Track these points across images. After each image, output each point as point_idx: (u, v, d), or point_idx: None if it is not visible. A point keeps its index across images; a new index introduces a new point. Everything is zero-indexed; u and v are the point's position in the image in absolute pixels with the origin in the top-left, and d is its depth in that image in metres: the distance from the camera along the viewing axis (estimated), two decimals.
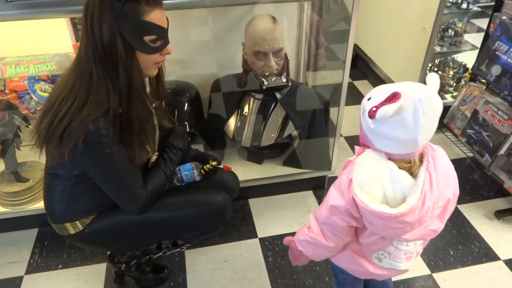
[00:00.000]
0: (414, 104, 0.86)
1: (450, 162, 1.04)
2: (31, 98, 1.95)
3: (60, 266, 1.76)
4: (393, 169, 0.97)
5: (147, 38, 1.12)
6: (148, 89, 1.31)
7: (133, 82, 1.13)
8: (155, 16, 1.12)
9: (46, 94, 1.95)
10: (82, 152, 1.12)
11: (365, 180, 0.99)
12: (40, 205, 1.81)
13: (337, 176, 1.10)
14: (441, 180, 0.98)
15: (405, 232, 0.99)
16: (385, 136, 0.93)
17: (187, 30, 1.97)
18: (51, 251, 1.82)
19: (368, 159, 1.01)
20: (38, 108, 1.97)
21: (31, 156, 1.92)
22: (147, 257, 1.54)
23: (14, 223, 1.86)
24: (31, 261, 1.78)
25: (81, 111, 1.10)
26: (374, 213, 0.95)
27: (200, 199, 1.39)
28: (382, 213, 0.94)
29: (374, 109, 0.89)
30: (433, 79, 0.89)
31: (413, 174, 0.99)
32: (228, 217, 1.42)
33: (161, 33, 1.15)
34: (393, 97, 0.88)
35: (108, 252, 1.57)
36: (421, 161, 1.00)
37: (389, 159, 0.99)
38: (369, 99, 0.96)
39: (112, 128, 1.13)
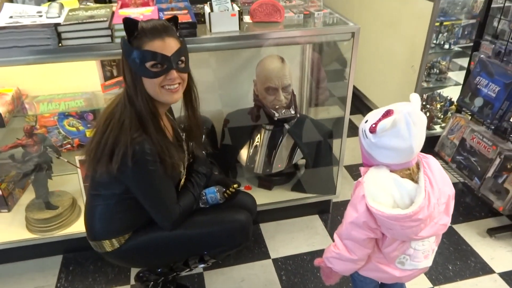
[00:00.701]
0: (406, 117, 1.05)
1: (441, 166, 1.23)
2: (59, 132, 2.13)
3: None
4: (396, 179, 1.15)
5: (147, 65, 1.28)
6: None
7: (136, 107, 1.31)
8: (155, 45, 1.28)
9: (73, 129, 2.13)
10: (131, 170, 1.28)
11: (375, 192, 1.16)
12: (66, 231, 1.93)
13: (342, 201, 1.27)
14: (439, 180, 1.17)
15: (421, 230, 1.15)
16: (385, 147, 1.11)
17: (203, 70, 2.19)
18: (76, 276, 1.92)
19: (374, 175, 1.19)
20: (65, 142, 2.15)
21: (59, 186, 2.07)
22: (174, 274, 1.66)
23: (40, 250, 1.97)
24: (58, 285, 1.87)
25: (121, 130, 1.28)
26: (391, 217, 1.12)
27: (225, 217, 1.55)
28: (397, 216, 1.11)
29: (373, 125, 1.10)
30: (416, 97, 1.10)
31: (414, 180, 1.17)
32: (250, 233, 1.57)
33: (161, 59, 1.27)
34: (388, 113, 1.09)
35: (137, 272, 1.69)
36: (418, 168, 1.19)
37: (391, 171, 1.17)
38: (366, 121, 1.17)
39: (155, 149, 1.30)
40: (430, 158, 1.22)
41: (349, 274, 1.35)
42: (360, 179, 1.23)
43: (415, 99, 1.10)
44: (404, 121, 1.06)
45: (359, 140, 1.21)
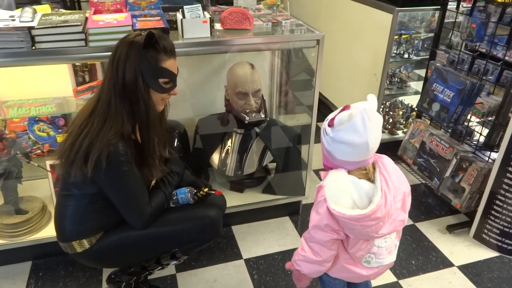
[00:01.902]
0: (361, 112, 1.12)
1: (395, 164, 1.31)
2: (29, 138, 2.11)
3: None
4: (354, 180, 1.22)
5: (161, 80, 1.41)
6: None
7: (150, 112, 1.39)
8: (169, 64, 1.42)
9: (44, 134, 2.12)
10: (104, 170, 1.32)
11: (336, 195, 1.22)
12: (36, 236, 1.91)
13: (311, 203, 1.33)
14: (394, 178, 1.25)
15: (380, 228, 1.21)
16: (342, 142, 1.16)
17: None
18: (46, 281, 1.90)
19: (333, 178, 1.24)
20: (34, 147, 2.13)
21: (29, 191, 2.05)
22: (147, 272, 1.68)
23: (8, 256, 1.94)
24: None
25: (99, 134, 1.32)
26: (351, 217, 1.18)
27: (195, 214, 1.59)
28: (357, 216, 1.17)
29: (332, 119, 1.17)
30: (372, 97, 1.18)
31: (370, 179, 1.24)
32: (220, 229, 1.62)
33: (172, 78, 1.44)
34: (344, 108, 1.17)
35: (109, 273, 1.69)
36: (374, 168, 1.26)
37: (348, 173, 1.23)
38: (326, 120, 1.23)
39: (129, 150, 1.35)
40: (384, 158, 1.30)
41: (317, 276, 1.39)
42: (321, 183, 1.28)
43: (371, 98, 1.17)
44: (360, 116, 1.12)
45: (321, 141, 1.27)
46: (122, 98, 1.36)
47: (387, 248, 1.32)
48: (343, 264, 1.34)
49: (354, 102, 1.20)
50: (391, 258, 1.35)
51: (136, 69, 1.34)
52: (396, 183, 1.25)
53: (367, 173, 1.24)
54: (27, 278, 1.91)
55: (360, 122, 1.12)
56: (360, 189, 1.21)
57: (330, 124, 1.17)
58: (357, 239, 1.27)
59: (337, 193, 1.21)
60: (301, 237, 1.48)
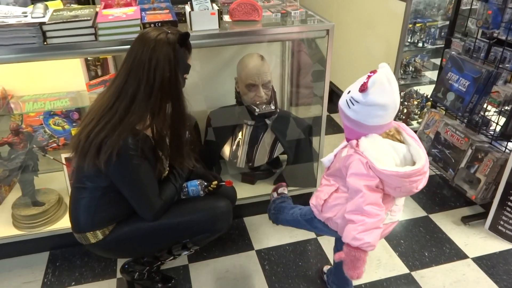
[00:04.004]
0: (385, 74, 1.21)
1: None
2: (45, 131, 2.16)
3: (73, 283, 1.89)
4: (391, 143, 1.27)
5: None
6: None
7: (184, 106, 1.47)
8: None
9: (59, 128, 2.17)
10: (115, 164, 1.34)
11: (380, 156, 1.25)
12: (53, 227, 1.97)
13: None
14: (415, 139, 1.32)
15: (421, 183, 1.27)
16: (374, 104, 1.21)
17: None
18: (63, 271, 1.95)
19: (370, 143, 1.28)
20: (50, 141, 2.19)
21: (45, 184, 2.10)
22: (159, 262, 1.71)
23: (27, 247, 2.00)
24: (45, 280, 1.90)
25: (117, 128, 1.34)
26: (405, 174, 1.22)
27: (206, 205, 1.61)
28: (409, 172, 1.22)
29: (363, 83, 1.22)
30: (384, 64, 1.25)
31: (400, 141, 1.30)
32: (230, 220, 1.63)
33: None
34: (372, 72, 1.23)
35: (123, 263, 1.73)
36: (397, 131, 1.32)
37: None
38: (348, 92, 1.28)
39: (140, 144, 1.37)
40: (402, 123, 1.36)
41: (376, 244, 1.30)
42: (350, 151, 1.30)
43: (384, 65, 1.25)
44: (386, 78, 1.21)
45: (342, 115, 1.31)
46: (151, 95, 1.38)
47: (400, 207, 1.41)
48: None
49: None
50: (399, 216, 1.43)
51: (176, 68, 1.39)
52: (418, 142, 1.32)
53: (393, 135, 1.30)
54: (44, 268, 1.97)
55: (386, 83, 1.21)
56: (398, 150, 1.27)
57: (363, 89, 1.21)
58: (388, 198, 1.32)
59: (380, 155, 1.25)
60: None
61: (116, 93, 1.39)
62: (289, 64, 2.50)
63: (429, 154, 2.52)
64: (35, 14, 1.63)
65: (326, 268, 1.88)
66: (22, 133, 1.91)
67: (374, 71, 1.23)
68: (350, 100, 1.26)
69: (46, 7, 1.72)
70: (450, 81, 2.31)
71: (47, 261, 2.00)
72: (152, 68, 1.35)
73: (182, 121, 1.50)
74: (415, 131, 2.67)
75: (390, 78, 1.22)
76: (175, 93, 1.43)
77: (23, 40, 1.54)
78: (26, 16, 1.63)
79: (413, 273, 1.94)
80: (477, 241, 2.12)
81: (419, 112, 2.91)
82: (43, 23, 1.56)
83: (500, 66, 2.12)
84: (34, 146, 1.93)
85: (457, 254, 2.05)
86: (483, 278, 1.91)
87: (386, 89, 1.21)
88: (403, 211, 2.27)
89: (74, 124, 2.17)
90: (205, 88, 2.35)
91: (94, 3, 2.09)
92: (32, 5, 1.74)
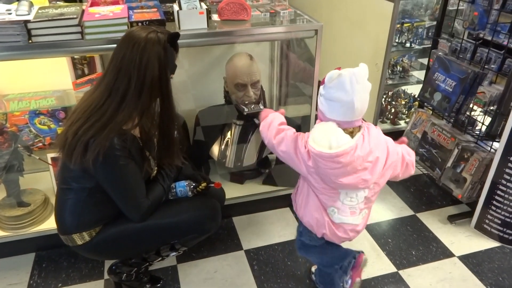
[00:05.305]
0: (350, 74, 1.25)
1: (382, 134, 1.40)
2: (30, 131, 2.13)
3: (60, 285, 1.86)
4: (338, 129, 1.31)
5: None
6: None
7: (173, 105, 1.46)
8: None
9: (45, 127, 2.14)
10: (101, 164, 1.32)
11: (317, 136, 1.31)
12: (39, 228, 1.94)
13: None
14: (372, 142, 1.33)
15: (341, 175, 1.30)
16: (332, 99, 1.29)
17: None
18: (49, 272, 1.92)
19: (320, 125, 1.36)
20: (36, 140, 2.15)
21: (31, 184, 2.07)
22: (147, 264, 1.69)
23: (12, 248, 1.97)
24: (31, 281, 1.87)
25: (106, 127, 1.32)
26: (318, 154, 1.28)
27: (194, 205, 1.60)
28: (322, 154, 1.27)
29: (324, 78, 1.30)
30: (363, 65, 1.30)
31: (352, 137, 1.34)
32: (219, 220, 1.63)
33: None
34: (338, 68, 1.29)
35: (110, 265, 1.71)
36: (359, 130, 1.35)
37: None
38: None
39: (127, 145, 1.36)
40: (372, 126, 1.39)
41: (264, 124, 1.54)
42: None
43: (363, 66, 1.30)
44: (349, 77, 1.25)
45: (318, 107, 1.39)
46: (141, 93, 1.36)
47: (351, 208, 1.42)
48: (316, 201, 1.44)
49: None
50: (354, 220, 1.44)
51: (166, 67, 1.39)
52: (373, 146, 1.33)
53: (351, 132, 1.33)
54: (30, 269, 1.94)
55: (348, 82, 1.25)
56: (339, 137, 1.29)
57: (322, 82, 1.30)
58: (324, 188, 1.38)
59: (318, 134, 1.31)
60: None
61: (107, 91, 1.37)
62: (278, 64, 2.50)
63: (416, 153, 2.54)
64: (20, 11, 1.60)
65: (314, 268, 1.89)
66: (6, 133, 1.88)
67: (338, 68, 1.29)
68: (319, 94, 1.35)
69: (31, 5, 1.68)
70: (437, 81, 2.34)
71: (33, 263, 1.97)
72: (143, 66, 1.34)
73: (171, 120, 1.50)
74: (402, 131, 2.72)
75: (358, 79, 1.25)
76: (165, 92, 1.43)
77: (7, 38, 1.51)
78: (10, 14, 1.60)
79: (400, 272, 1.95)
80: (463, 240, 2.15)
81: (406, 112, 2.93)
82: (28, 21, 1.53)
83: (485, 67, 2.15)
84: (19, 145, 1.90)
85: (444, 253, 2.07)
86: (469, 276, 1.94)
87: (345, 88, 1.25)
88: (390, 210, 2.34)
89: (60, 123, 2.13)
90: (194, 87, 2.34)
91: (80, 1, 2.05)
92: (17, 2, 1.70)
